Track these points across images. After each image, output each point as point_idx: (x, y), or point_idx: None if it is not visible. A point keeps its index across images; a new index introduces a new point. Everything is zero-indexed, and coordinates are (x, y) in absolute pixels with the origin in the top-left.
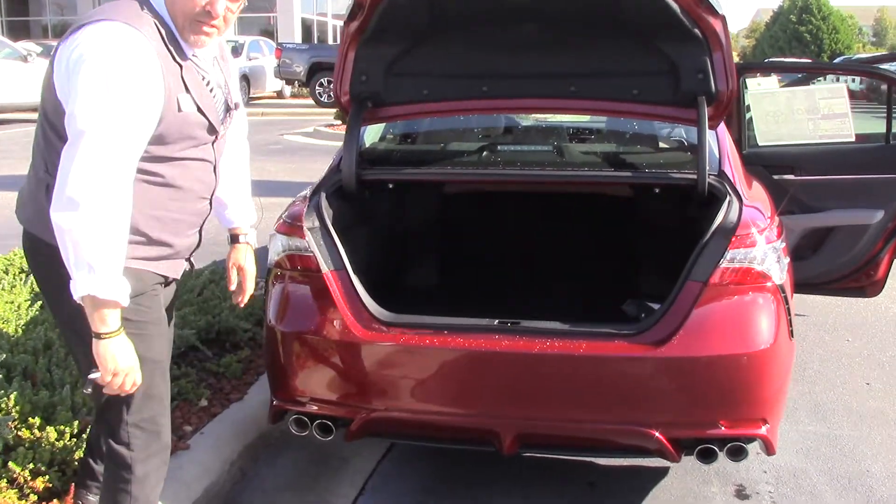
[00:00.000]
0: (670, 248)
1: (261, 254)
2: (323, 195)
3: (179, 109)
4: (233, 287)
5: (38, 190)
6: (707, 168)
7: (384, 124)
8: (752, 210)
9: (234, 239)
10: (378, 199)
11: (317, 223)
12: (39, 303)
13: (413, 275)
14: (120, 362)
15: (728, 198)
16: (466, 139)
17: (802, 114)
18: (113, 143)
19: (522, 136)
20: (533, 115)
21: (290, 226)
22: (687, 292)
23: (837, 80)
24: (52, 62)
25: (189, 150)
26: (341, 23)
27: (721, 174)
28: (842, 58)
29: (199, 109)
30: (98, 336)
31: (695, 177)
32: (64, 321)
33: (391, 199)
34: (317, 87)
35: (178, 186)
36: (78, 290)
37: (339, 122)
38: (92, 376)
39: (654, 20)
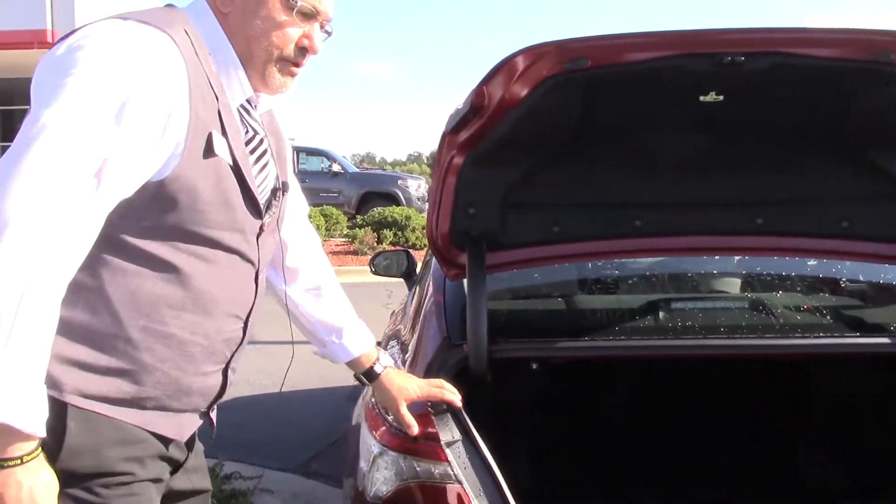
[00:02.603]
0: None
1: None
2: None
3: (210, 152)
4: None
5: None
6: None
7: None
8: None
9: (371, 375)
10: (509, 383)
11: (457, 434)
12: None
13: (569, 486)
14: None
15: None
16: (621, 291)
17: None
18: (81, 146)
19: (700, 284)
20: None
21: (413, 439)
22: None
23: None
24: None
25: (221, 232)
26: None
27: None
28: None
29: (237, 167)
30: None
31: None
32: None
33: (528, 383)
34: None
35: (197, 289)
36: None
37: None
38: None
39: (882, 129)
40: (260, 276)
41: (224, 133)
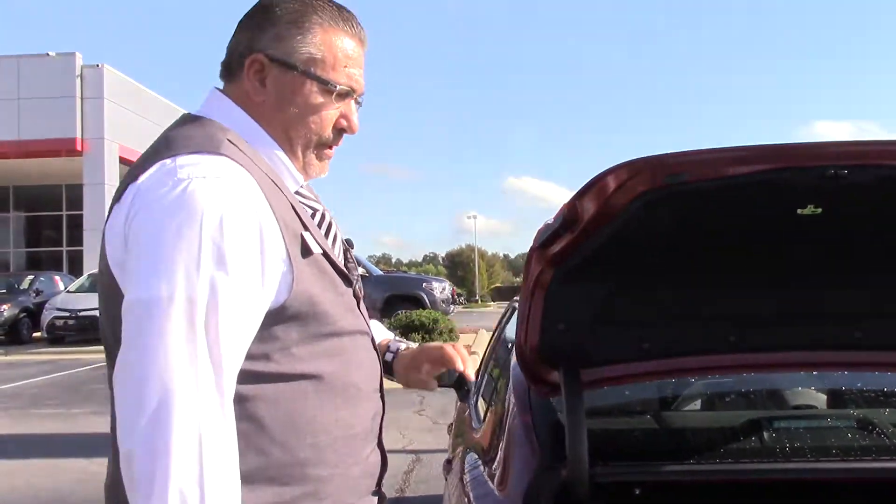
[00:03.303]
0: None
1: None
2: None
3: (308, 251)
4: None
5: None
6: None
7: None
8: None
9: (387, 366)
10: None
11: None
12: None
13: None
14: None
15: None
16: (717, 408)
17: None
18: (203, 315)
19: (796, 400)
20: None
21: None
22: None
23: None
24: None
25: (342, 321)
26: None
27: None
28: None
29: (326, 254)
30: None
31: None
32: None
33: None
34: None
35: (342, 385)
36: None
37: None
38: None
39: None
40: (375, 341)
41: (306, 227)
